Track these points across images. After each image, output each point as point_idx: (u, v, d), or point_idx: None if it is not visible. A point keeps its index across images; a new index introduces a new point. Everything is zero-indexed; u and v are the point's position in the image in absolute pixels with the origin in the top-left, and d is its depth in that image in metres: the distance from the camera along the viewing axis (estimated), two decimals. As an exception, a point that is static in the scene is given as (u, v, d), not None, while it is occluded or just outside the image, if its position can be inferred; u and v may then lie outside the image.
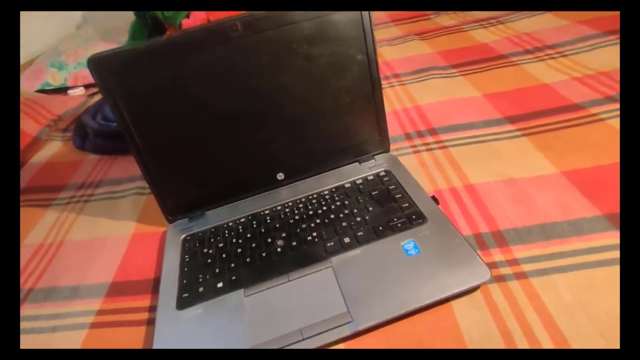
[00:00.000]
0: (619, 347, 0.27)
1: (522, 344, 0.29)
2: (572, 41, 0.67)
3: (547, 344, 0.28)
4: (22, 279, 0.45)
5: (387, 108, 0.61)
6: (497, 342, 0.29)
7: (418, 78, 0.67)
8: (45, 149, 0.74)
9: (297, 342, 0.31)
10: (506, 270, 0.34)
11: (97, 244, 0.48)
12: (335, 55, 0.42)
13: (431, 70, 0.68)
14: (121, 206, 0.54)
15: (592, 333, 0.28)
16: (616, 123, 0.47)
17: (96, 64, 0.37)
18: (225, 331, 0.33)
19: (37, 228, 0.54)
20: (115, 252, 0.46)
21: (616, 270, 0.32)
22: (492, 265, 0.34)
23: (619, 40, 0.63)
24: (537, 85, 0.57)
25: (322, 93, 0.44)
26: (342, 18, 0.41)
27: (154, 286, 0.41)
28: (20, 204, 0.60)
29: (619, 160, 0.42)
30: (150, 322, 0.37)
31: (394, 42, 0.84)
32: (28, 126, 0.76)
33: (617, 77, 0.55)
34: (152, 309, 0.38)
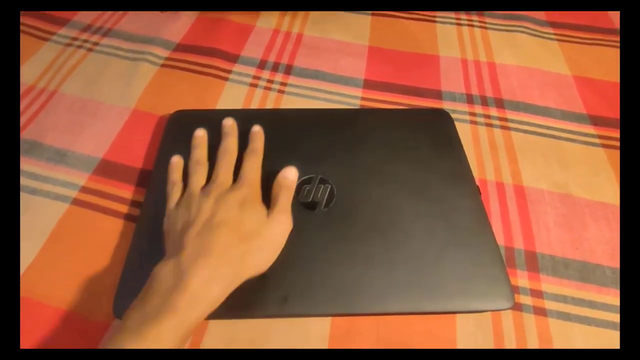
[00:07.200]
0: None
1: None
2: None
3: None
4: (5, 120, 0.41)
5: (456, 54, 0.50)
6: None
7: (506, 26, 0.55)
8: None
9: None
10: (526, 300, 0.30)
11: (92, 107, 0.43)
12: None
13: (525, 21, 0.55)
14: (128, 70, 0.46)
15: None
16: None
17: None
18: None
19: (29, 65, 0.47)
20: (111, 125, 0.41)
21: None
22: (513, 290, 0.31)
23: None
24: (642, 87, 0.47)
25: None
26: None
27: (139, 178, 0.37)
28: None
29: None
30: (129, 218, 0.34)
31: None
32: None
33: None
34: (134, 203, 0.35)
